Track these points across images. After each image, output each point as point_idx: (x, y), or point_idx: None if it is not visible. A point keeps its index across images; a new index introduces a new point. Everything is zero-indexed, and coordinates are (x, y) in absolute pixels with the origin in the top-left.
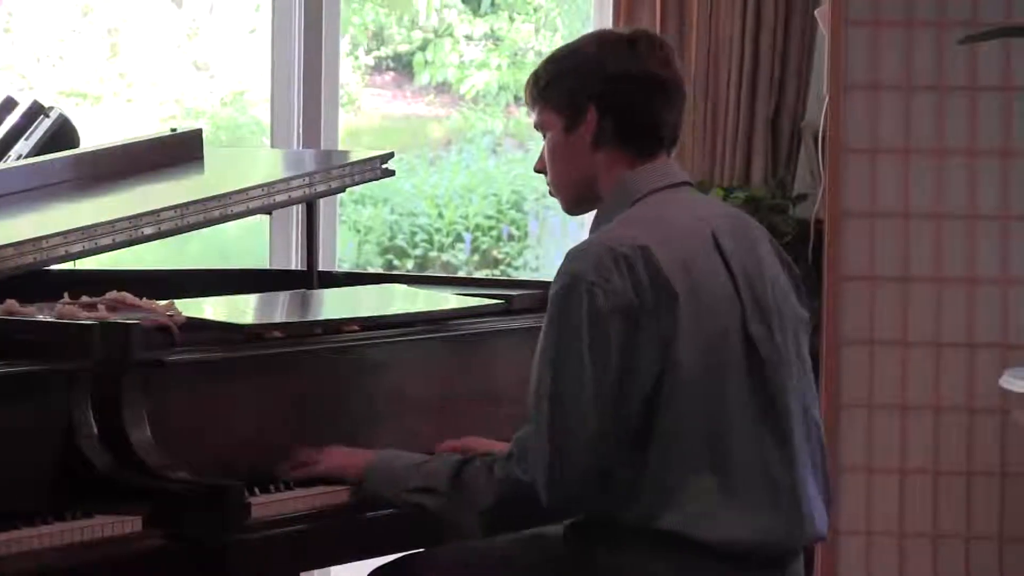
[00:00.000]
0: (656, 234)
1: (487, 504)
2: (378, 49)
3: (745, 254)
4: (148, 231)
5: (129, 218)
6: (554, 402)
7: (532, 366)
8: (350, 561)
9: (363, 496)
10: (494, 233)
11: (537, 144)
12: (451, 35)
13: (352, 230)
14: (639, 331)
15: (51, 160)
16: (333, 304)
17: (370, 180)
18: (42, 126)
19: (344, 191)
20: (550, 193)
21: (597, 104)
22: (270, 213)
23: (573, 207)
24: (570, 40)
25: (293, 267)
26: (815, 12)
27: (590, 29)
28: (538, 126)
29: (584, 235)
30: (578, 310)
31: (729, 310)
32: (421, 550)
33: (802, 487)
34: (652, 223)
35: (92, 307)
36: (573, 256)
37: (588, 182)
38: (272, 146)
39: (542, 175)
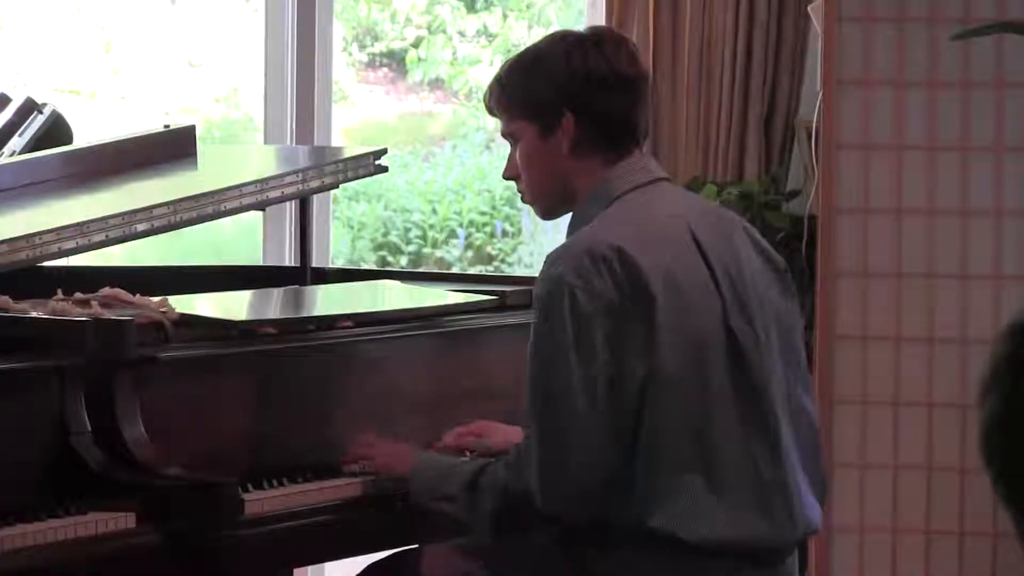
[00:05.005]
0: (634, 233)
1: (492, 509)
2: (371, 45)
3: (724, 248)
4: (141, 227)
5: (122, 214)
6: (545, 408)
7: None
8: (344, 557)
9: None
10: (488, 229)
11: None
12: (444, 32)
13: (346, 226)
14: (623, 330)
15: (44, 157)
16: (326, 300)
17: (363, 176)
18: (35, 122)
19: (337, 187)
20: (523, 200)
21: (573, 110)
22: (263, 209)
23: (549, 212)
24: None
25: (286, 263)
26: (808, 8)
27: (584, 25)
28: (507, 135)
29: None
30: (561, 313)
31: (710, 306)
32: (414, 546)
33: (791, 482)
34: (629, 222)
35: (85, 304)
36: (552, 260)
37: (565, 186)
38: (265, 142)
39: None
